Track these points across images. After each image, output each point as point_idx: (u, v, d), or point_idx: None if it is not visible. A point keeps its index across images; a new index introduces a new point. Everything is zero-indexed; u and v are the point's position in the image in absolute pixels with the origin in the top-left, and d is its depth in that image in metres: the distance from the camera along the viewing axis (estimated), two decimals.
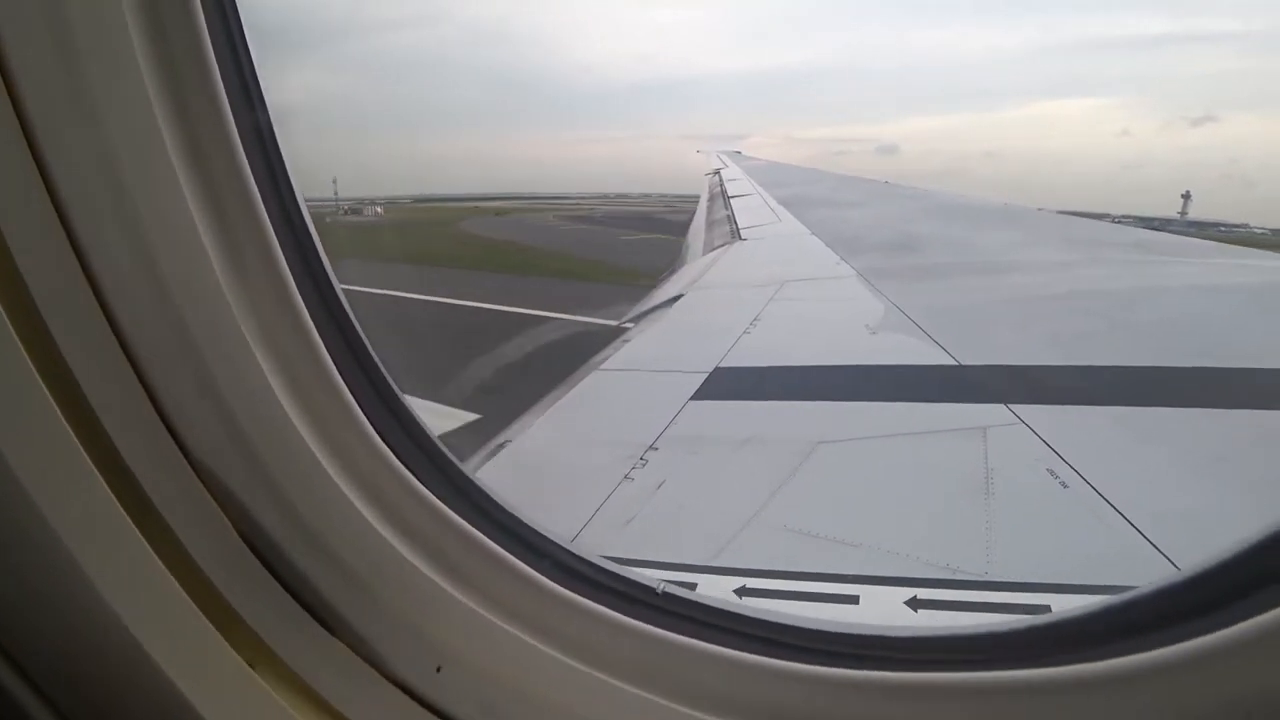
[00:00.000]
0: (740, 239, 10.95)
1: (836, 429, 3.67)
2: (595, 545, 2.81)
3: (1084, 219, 14.75)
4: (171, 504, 0.49)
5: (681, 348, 5.08)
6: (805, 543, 2.71)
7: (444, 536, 0.61)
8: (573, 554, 0.69)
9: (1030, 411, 3.65)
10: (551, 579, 0.64)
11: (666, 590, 0.68)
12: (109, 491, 0.46)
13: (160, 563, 0.48)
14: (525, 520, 0.68)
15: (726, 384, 4.45)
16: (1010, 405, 3.75)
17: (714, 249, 10.61)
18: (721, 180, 18.36)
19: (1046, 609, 2.18)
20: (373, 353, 0.61)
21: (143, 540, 0.47)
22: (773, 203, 15.07)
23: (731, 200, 15.99)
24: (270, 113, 0.56)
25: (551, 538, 0.68)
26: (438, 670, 0.57)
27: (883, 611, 2.27)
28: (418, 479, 0.60)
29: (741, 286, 6.81)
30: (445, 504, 0.61)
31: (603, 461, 3.41)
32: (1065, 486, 2.94)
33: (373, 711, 0.56)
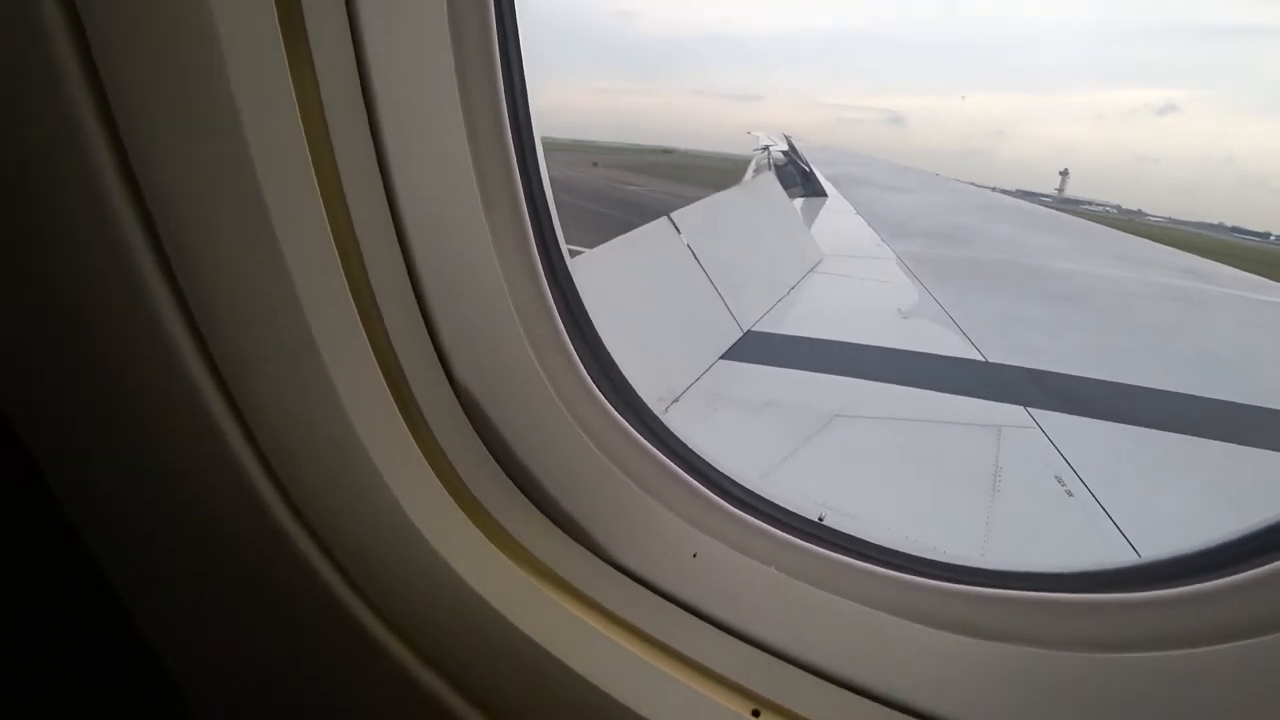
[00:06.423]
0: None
1: (855, 405, 3.74)
2: None
3: None
4: (437, 419, 0.66)
5: (724, 294, 5.03)
6: (804, 508, 2.79)
7: (635, 458, 0.76)
8: (742, 485, 0.83)
9: (1048, 418, 3.69)
10: (723, 498, 0.78)
11: (823, 518, 0.85)
12: (396, 410, 0.62)
13: (425, 462, 0.65)
14: (698, 451, 0.83)
15: (756, 347, 4.55)
16: (1030, 409, 3.78)
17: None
18: (769, 155, 18.19)
19: None
20: (589, 312, 0.76)
21: (415, 445, 0.64)
22: (821, 179, 14.84)
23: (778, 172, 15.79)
24: (531, 108, 0.67)
25: (725, 471, 0.83)
26: (693, 557, 0.73)
27: None
28: (617, 411, 0.75)
29: (787, 253, 6.75)
30: (644, 437, 0.76)
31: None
32: (1070, 495, 2.99)
33: (587, 579, 0.71)
